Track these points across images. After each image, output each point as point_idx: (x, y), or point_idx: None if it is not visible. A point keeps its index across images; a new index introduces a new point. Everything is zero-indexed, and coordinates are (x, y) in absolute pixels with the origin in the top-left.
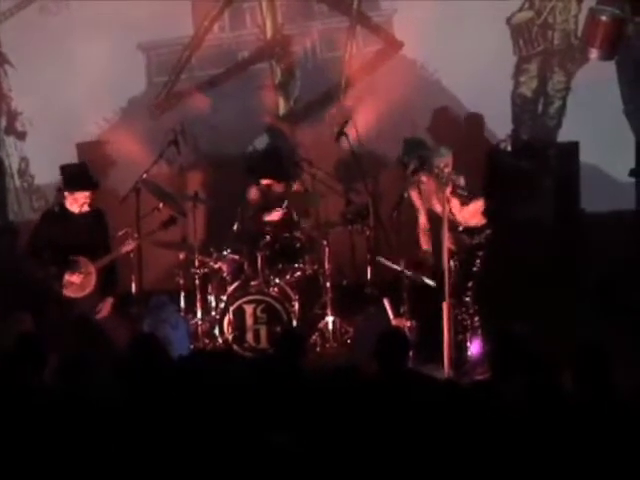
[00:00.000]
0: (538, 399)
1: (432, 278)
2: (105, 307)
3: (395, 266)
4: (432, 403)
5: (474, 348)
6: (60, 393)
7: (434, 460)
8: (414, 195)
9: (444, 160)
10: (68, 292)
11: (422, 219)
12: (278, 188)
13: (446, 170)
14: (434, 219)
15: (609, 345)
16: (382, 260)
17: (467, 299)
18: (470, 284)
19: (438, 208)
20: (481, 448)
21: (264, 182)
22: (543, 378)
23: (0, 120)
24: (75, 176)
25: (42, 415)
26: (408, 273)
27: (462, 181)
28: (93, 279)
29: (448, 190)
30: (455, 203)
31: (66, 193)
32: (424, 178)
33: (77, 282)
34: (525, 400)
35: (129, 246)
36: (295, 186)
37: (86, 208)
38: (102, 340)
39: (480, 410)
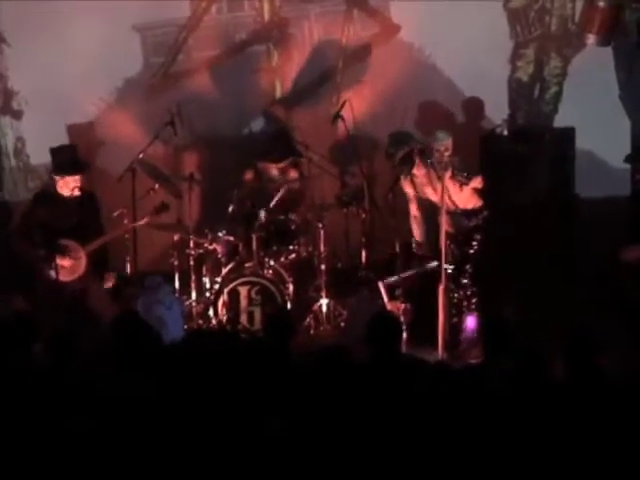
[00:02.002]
0: (527, 383)
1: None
2: (110, 278)
3: (404, 275)
4: (423, 386)
5: (469, 330)
6: (48, 372)
7: (424, 443)
8: (406, 185)
9: (444, 144)
10: (58, 276)
11: (413, 208)
12: (275, 171)
13: (446, 154)
14: (427, 206)
15: (602, 330)
16: (388, 281)
17: (464, 281)
18: (468, 266)
19: (433, 197)
20: (470, 431)
21: (280, 165)
22: (533, 362)
23: None
24: (64, 160)
25: (29, 394)
26: (415, 271)
27: (457, 161)
28: (83, 263)
29: (448, 174)
30: (453, 188)
31: (56, 177)
32: (416, 171)
33: (67, 266)
34: (515, 384)
35: (118, 231)
36: (291, 172)
37: (77, 192)
38: (93, 322)
39: (470, 393)
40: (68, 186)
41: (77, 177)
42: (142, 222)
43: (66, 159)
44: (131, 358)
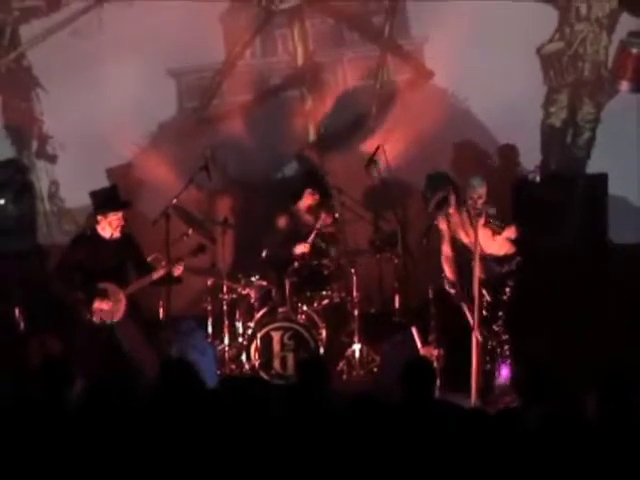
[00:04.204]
0: (562, 428)
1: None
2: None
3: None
4: (457, 432)
5: (502, 377)
6: (85, 417)
7: None
8: (442, 223)
9: (478, 192)
10: (97, 318)
11: (445, 248)
12: (309, 216)
13: (479, 201)
14: (459, 248)
15: (635, 374)
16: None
17: (497, 328)
18: (500, 313)
19: (465, 239)
20: (506, 477)
21: (309, 199)
22: (567, 407)
23: (31, 143)
24: (106, 199)
25: (65, 438)
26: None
27: (493, 211)
28: (123, 305)
29: (481, 222)
30: (485, 234)
31: (99, 217)
32: (451, 211)
33: (106, 309)
34: (549, 428)
35: (159, 273)
36: (324, 215)
37: (118, 234)
38: (131, 365)
39: (506, 439)
40: (112, 225)
41: (120, 215)
42: (180, 266)
43: (107, 197)
44: (182, 404)
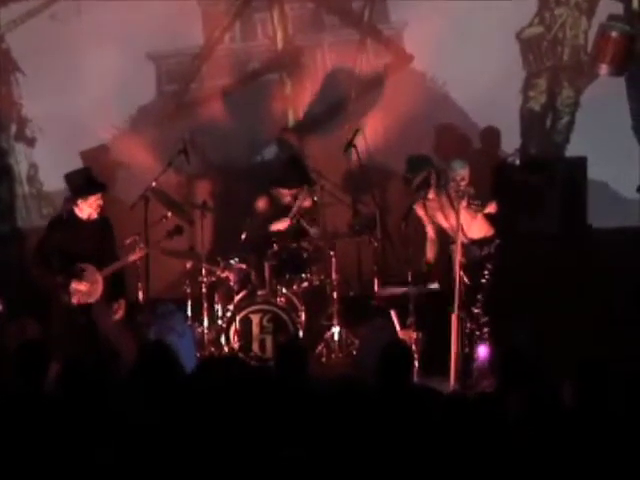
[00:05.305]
0: (539, 412)
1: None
2: (120, 308)
3: (399, 290)
4: (435, 416)
5: (481, 360)
6: (60, 402)
7: (438, 474)
8: (419, 209)
9: (460, 174)
10: (75, 300)
11: (430, 230)
12: (289, 198)
13: (462, 183)
14: (438, 233)
15: (612, 359)
16: (386, 290)
17: (476, 310)
18: (479, 296)
19: (444, 223)
20: (484, 461)
21: (293, 192)
22: (545, 391)
23: (10, 127)
24: (84, 181)
25: (40, 424)
26: (413, 290)
27: (472, 190)
28: (100, 287)
29: (463, 204)
30: (466, 217)
31: (79, 200)
32: (430, 195)
33: (84, 290)
34: (527, 413)
35: (136, 255)
36: (303, 195)
37: (95, 215)
38: (108, 348)
39: (484, 423)
40: (92, 206)
41: (99, 196)
42: (156, 245)
43: (84, 180)
44: (160, 388)
